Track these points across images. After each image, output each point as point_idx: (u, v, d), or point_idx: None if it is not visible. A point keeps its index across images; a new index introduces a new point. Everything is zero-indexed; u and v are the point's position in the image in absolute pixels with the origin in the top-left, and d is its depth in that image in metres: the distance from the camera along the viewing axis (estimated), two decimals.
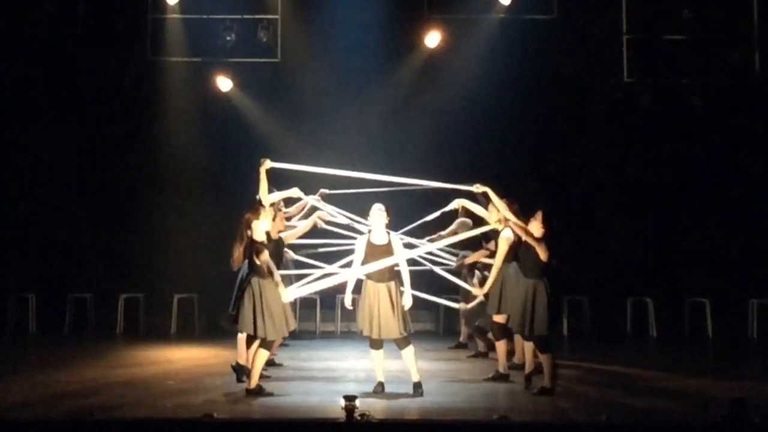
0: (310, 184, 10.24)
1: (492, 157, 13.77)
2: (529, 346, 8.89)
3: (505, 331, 9.25)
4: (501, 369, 9.26)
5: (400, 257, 8.57)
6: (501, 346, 9.30)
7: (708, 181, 14.15)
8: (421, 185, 9.97)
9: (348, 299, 8.66)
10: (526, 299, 8.48)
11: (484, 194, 9.14)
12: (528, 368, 8.97)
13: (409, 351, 8.58)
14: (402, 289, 8.55)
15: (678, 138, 14.22)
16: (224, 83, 14.19)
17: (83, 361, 10.70)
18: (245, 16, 14.35)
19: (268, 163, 9.21)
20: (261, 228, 8.48)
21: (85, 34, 14.21)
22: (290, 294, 8.52)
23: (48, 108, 14.25)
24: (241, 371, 9.02)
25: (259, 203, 8.88)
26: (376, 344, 8.63)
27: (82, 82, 14.22)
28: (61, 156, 14.26)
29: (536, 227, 8.50)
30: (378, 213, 8.64)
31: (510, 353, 9.68)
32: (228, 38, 14.17)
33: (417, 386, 8.54)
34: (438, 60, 14.35)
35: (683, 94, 14.21)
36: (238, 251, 8.49)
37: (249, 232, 8.42)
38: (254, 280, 8.43)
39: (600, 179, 14.22)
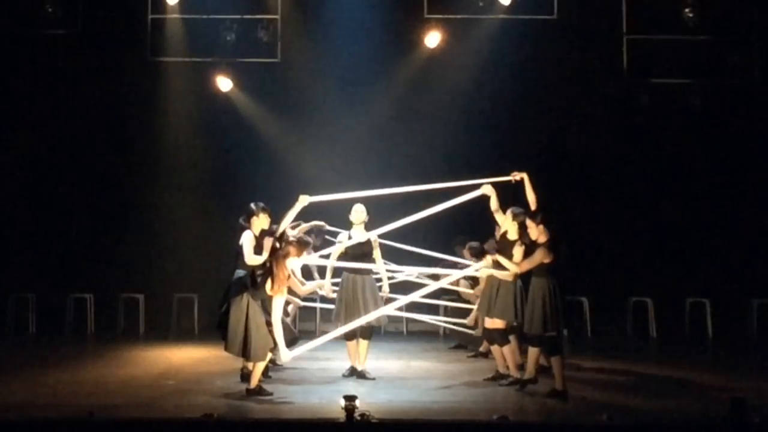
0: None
1: (492, 157, 13.71)
2: (533, 352, 8.72)
3: (503, 336, 9.18)
4: (501, 369, 9.26)
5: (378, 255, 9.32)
6: (497, 350, 9.26)
7: (708, 181, 14.14)
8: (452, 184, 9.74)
9: (327, 287, 9.30)
10: (531, 298, 8.52)
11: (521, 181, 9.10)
12: (528, 374, 8.79)
13: (366, 343, 9.28)
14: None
15: (678, 138, 14.22)
16: (224, 83, 14.17)
17: (83, 361, 10.71)
18: (245, 16, 14.31)
19: (305, 200, 8.72)
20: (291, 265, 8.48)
21: (85, 34, 14.20)
22: (286, 355, 8.36)
23: (48, 108, 14.24)
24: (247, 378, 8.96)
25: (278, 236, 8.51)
26: (350, 335, 9.23)
27: (81, 82, 14.21)
28: (61, 156, 14.25)
29: (537, 232, 8.50)
30: (359, 212, 9.25)
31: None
32: (228, 38, 14.14)
33: (361, 374, 9.25)
34: (438, 60, 14.33)
35: (683, 94, 14.21)
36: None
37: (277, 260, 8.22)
38: (245, 298, 8.32)
39: (599, 179, 14.21)
